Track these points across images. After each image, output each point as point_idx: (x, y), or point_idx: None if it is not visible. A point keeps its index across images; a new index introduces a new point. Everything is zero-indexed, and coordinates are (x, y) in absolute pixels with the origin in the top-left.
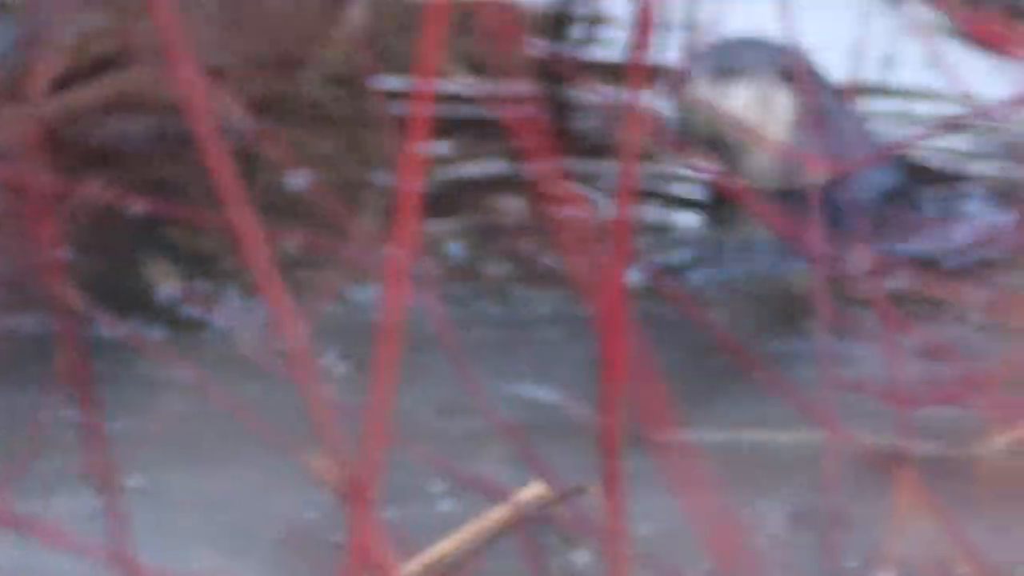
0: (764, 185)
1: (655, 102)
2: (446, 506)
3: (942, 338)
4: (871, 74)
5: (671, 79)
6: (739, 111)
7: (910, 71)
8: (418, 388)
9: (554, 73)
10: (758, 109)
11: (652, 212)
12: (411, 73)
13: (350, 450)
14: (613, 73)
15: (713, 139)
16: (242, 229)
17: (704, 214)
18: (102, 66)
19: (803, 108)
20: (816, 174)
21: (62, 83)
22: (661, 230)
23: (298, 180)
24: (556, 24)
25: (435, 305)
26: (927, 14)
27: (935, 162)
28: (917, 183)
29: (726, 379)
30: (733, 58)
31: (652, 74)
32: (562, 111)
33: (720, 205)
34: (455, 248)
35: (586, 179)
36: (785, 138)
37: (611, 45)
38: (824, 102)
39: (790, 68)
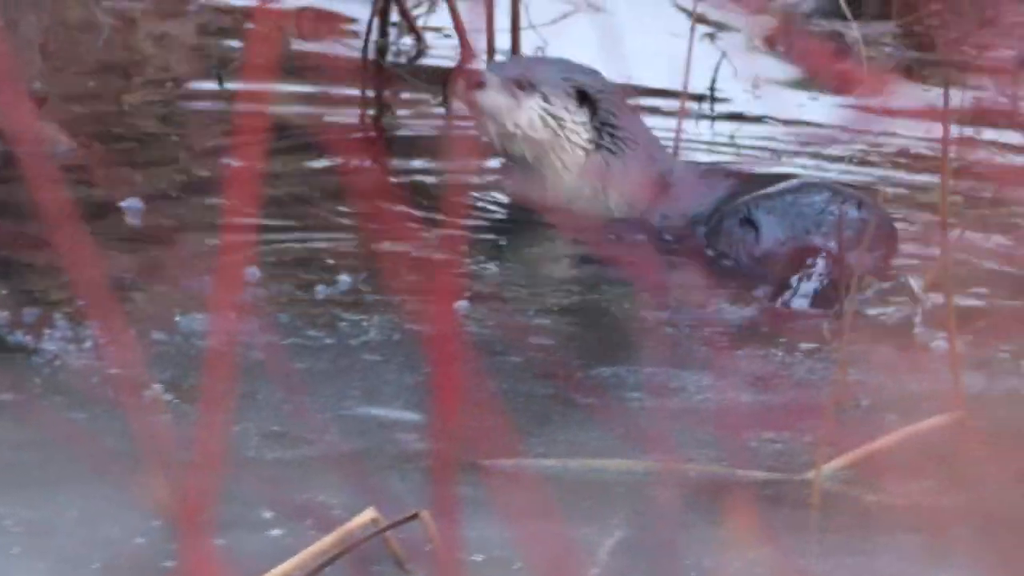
0: (576, 205)
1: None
2: (276, 533)
3: (771, 364)
4: (695, 95)
5: (467, 85)
6: (532, 125)
7: (733, 94)
8: (249, 416)
9: (377, 81)
10: (551, 124)
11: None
12: (238, 78)
13: (181, 477)
14: (435, 82)
15: (516, 154)
16: (72, 254)
17: (517, 233)
18: None
19: (602, 127)
20: (625, 194)
21: None
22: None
23: (132, 205)
24: (380, 33)
25: (265, 333)
26: (750, 39)
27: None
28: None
29: (556, 405)
30: (527, 71)
31: (456, 83)
32: (384, 117)
33: (531, 224)
34: (253, 272)
35: (408, 186)
36: (582, 156)
37: (433, 55)
38: (626, 122)
39: (589, 87)
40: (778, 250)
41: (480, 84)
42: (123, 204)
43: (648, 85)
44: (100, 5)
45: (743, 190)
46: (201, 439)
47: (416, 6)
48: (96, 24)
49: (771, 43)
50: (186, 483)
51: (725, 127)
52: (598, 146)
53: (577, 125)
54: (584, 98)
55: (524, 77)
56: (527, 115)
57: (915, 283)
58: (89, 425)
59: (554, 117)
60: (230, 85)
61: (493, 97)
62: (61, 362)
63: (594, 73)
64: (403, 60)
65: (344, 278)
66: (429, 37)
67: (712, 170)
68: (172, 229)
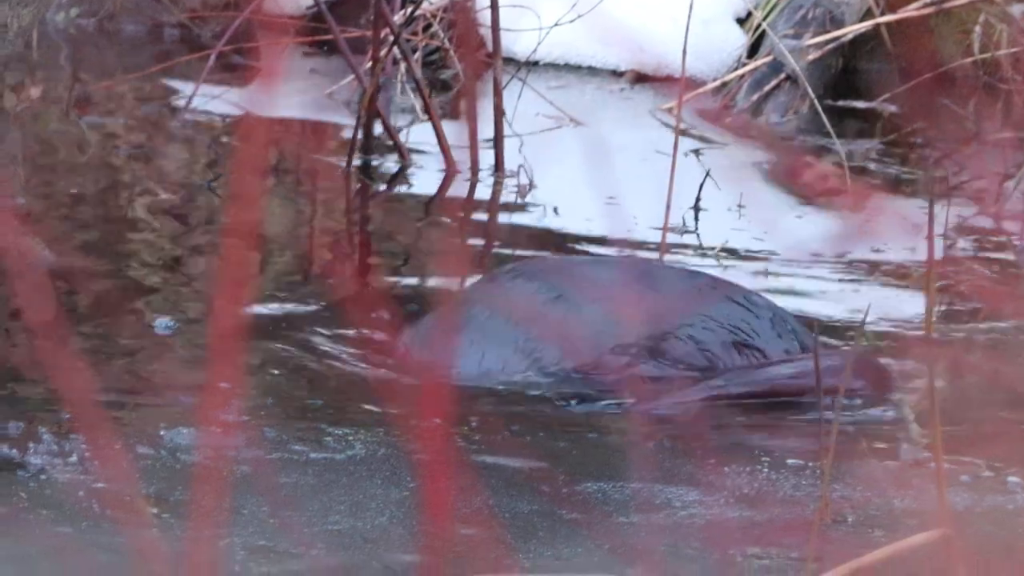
0: None
1: None
2: None
3: (758, 480)
4: (679, 217)
5: None
6: None
7: (718, 210)
8: (235, 530)
9: (361, 195)
10: None
11: None
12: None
13: None
14: (418, 198)
15: None
16: (59, 367)
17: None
18: None
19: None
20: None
21: None
22: None
23: (164, 325)
24: (364, 149)
25: (252, 447)
26: (735, 155)
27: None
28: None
29: (542, 520)
30: None
31: None
32: (369, 232)
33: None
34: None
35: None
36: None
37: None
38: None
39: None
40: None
41: None
42: (155, 323)
43: (633, 203)
44: (83, 121)
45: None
46: (189, 554)
47: (402, 126)
48: (79, 139)
49: (756, 159)
50: None
51: (710, 243)
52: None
53: None
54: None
55: None
56: None
57: (905, 405)
58: (75, 539)
59: None
60: (217, 196)
61: None
62: (47, 476)
63: None
64: (387, 175)
65: (332, 391)
66: (414, 152)
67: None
68: (162, 341)
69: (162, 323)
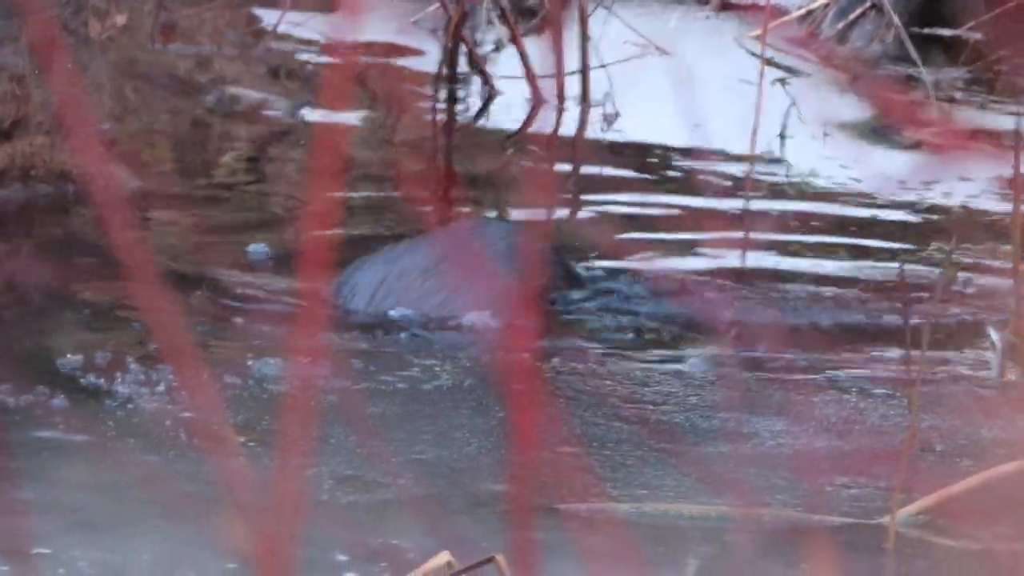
0: None
1: None
2: None
3: (846, 410)
4: (765, 146)
5: None
6: None
7: (803, 138)
8: (323, 459)
9: (447, 123)
10: None
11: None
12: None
13: (258, 520)
14: (505, 125)
15: None
16: (147, 296)
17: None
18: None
19: None
20: None
21: None
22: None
23: (257, 251)
24: (449, 79)
25: (339, 378)
26: (820, 84)
27: None
28: None
29: (631, 450)
30: None
31: None
32: (455, 159)
33: (607, 268)
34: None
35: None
36: None
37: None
38: None
39: None
40: None
41: None
42: (248, 249)
43: (719, 131)
44: (168, 49)
45: None
46: (278, 483)
47: (488, 54)
48: (164, 66)
49: (841, 87)
50: (263, 526)
51: (797, 171)
52: None
53: None
54: None
55: None
56: None
57: (995, 334)
58: (162, 468)
59: None
60: (305, 120)
61: None
62: (134, 405)
63: None
64: (473, 103)
65: (417, 320)
66: (499, 80)
67: None
68: (250, 269)
69: (256, 248)
